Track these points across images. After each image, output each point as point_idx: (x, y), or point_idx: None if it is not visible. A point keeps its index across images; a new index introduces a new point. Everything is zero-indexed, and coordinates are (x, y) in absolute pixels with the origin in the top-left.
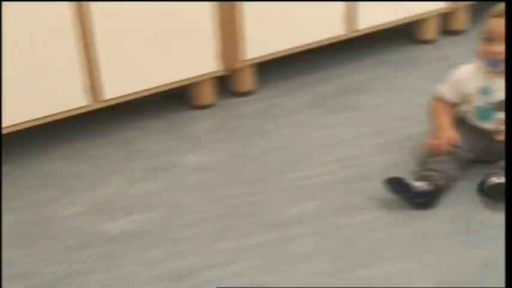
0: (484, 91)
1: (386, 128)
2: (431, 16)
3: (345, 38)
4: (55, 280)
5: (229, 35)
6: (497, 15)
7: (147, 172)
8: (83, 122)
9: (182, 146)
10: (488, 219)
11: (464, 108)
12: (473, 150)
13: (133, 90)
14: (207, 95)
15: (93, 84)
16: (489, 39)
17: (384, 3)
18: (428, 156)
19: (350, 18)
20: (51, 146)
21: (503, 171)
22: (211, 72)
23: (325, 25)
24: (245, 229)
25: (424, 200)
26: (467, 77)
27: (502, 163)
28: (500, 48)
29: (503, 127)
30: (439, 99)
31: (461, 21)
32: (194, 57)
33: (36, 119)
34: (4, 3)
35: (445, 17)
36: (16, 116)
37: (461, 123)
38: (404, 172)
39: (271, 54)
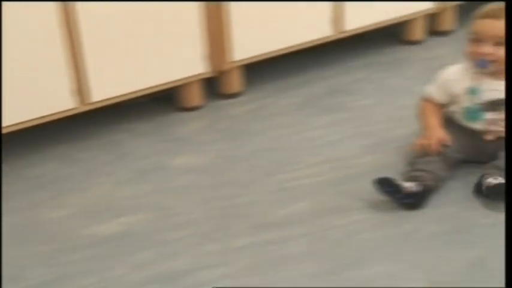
0: (472, 91)
1: (373, 129)
2: (419, 17)
3: (332, 39)
4: (44, 283)
5: (217, 36)
6: (484, 16)
7: (135, 174)
8: (70, 124)
9: (170, 148)
10: (476, 219)
11: (452, 108)
12: (462, 150)
13: (120, 92)
14: (194, 97)
15: (80, 86)
16: (476, 40)
17: (370, 4)
18: (418, 157)
19: (337, 19)
20: (38, 149)
21: (497, 171)
22: (199, 74)
23: (312, 26)
24: (234, 231)
25: (412, 201)
26: (455, 77)
27: (496, 163)
28: (487, 49)
29: (491, 127)
30: (428, 100)
31: (448, 21)
32: (182, 59)
33: (23, 122)
34: None
35: (432, 18)
36: (3, 119)
37: (449, 123)
38: (392, 173)
39: (259, 55)
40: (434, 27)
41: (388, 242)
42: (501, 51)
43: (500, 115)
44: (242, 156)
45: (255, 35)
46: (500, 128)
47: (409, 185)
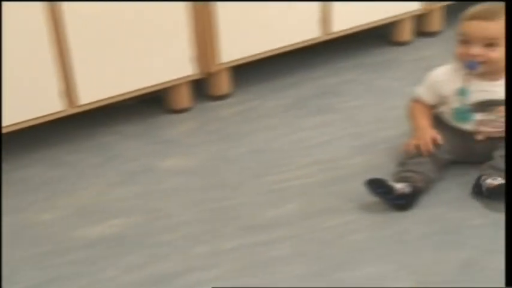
0: (461, 93)
1: (362, 130)
2: (406, 18)
3: (320, 40)
4: (35, 285)
5: (204, 38)
6: (472, 18)
7: (125, 177)
8: (59, 127)
9: (159, 150)
10: (466, 220)
11: (441, 109)
12: (451, 151)
13: (109, 95)
14: (183, 98)
15: (68, 89)
16: (465, 41)
17: (358, 5)
18: (409, 157)
19: (325, 20)
20: (27, 152)
21: (495, 172)
22: (187, 76)
23: (300, 28)
24: (224, 233)
25: (403, 202)
26: (443, 78)
27: (492, 163)
28: (477, 50)
29: (481, 128)
30: (417, 101)
31: (435, 22)
32: (170, 61)
33: (12, 125)
34: None
35: (419, 19)
36: None
37: (439, 124)
38: (382, 174)
39: (247, 57)
40: (422, 28)
41: (377, 243)
42: (491, 53)
43: (490, 116)
44: (231, 158)
45: (242, 37)
46: (490, 128)
47: (401, 186)
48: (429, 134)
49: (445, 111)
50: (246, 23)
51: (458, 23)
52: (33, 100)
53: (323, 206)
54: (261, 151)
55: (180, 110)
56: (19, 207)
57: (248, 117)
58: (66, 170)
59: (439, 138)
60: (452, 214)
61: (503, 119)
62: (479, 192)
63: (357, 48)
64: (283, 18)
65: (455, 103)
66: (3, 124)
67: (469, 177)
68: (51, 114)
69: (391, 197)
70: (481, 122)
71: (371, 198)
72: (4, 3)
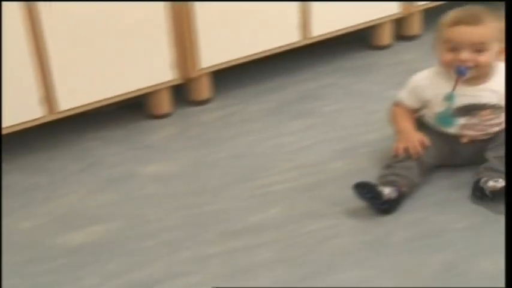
0: (449, 98)
1: (344, 134)
2: (386, 22)
3: (300, 44)
4: None
5: (184, 44)
6: (456, 23)
7: (106, 183)
8: (39, 133)
9: (140, 156)
10: (448, 224)
11: (423, 113)
12: (435, 154)
13: (89, 101)
14: (164, 104)
15: (48, 95)
16: (453, 48)
17: (338, 9)
18: (397, 161)
19: (305, 25)
20: (7, 159)
21: (494, 173)
22: (168, 82)
23: (280, 32)
24: (205, 238)
25: (387, 207)
26: (425, 83)
27: (489, 165)
28: (466, 56)
29: (464, 132)
30: (399, 106)
31: (415, 26)
32: (150, 66)
33: None
34: None
35: (399, 23)
36: None
37: (421, 127)
38: (364, 178)
39: (227, 62)
40: (401, 32)
41: (360, 247)
42: (479, 57)
43: (473, 120)
44: (213, 163)
45: (222, 42)
46: (473, 132)
47: (388, 192)
48: (416, 137)
49: (427, 114)
50: (225, 28)
51: (440, 28)
52: (13, 107)
53: (305, 210)
54: (242, 156)
55: (160, 116)
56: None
57: (229, 122)
58: (47, 176)
59: (426, 140)
60: (434, 218)
61: (486, 123)
62: (482, 195)
63: (337, 52)
64: (263, 23)
65: (437, 107)
66: None
67: (451, 180)
68: (31, 120)
69: (378, 202)
70: (465, 126)
71: (353, 202)
72: None
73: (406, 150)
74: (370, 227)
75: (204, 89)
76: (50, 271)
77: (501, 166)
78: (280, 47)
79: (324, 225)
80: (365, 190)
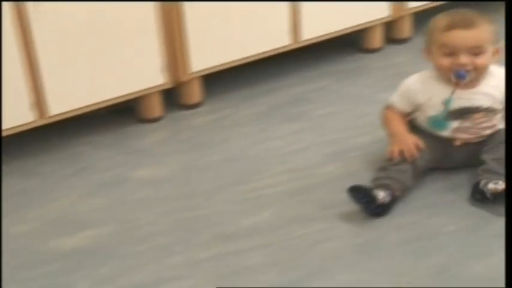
0: (448, 102)
1: (335, 137)
2: (376, 25)
3: (290, 48)
4: None
5: (175, 48)
6: (451, 28)
7: (97, 187)
8: (30, 138)
9: (131, 160)
10: (439, 227)
11: (415, 116)
12: (430, 158)
13: (79, 105)
14: (155, 108)
15: (38, 100)
16: (450, 53)
17: (328, 13)
18: (392, 164)
19: (295, 29)
20: None
21: (493, 175)
22: (158, 86)
23: (271, 36)
24: (197, 242)
25: (380, 211)
26: (417, 86)
27: (487, 167)
28: (465, 59)
29: (457, 135)
30: (391, 109)
31: (405, 29)
32: (140, 70)
33: None
34: None
35: (389, 26)
36: None
37: (414, 130)
38: (355, 181)
39: (217, 66)
40: (391, 35)
41: (352, 250)
42: (477, 60)
43: (466, 123)
44: (204, 167)
45: (213, 46)
46: (466, 135)
47: (383, 196)
48: (411, 139)
49: (419, 118)
50: (216, 32)
51: (432, 33)
52: (4, 112)
53: (297, 214)
54: (234, 160)
55: (151, 120)
56: None
57: (220, 126)
58: (38, 181)
59: (421, 143)
60: (426, 220)
61: (479, 126)
62: (482, 198)
63: (327, 55)
64: (253, 27)
65: (430, 111)
66: None
67: (443, 183)
68: (22, 125)
69: (372, 206)
70: (457, 129)
71: (345, 205)
72: None
73: (401, 153)
74: (362, 231)
75: (194, 93)
76: (41, 276)
77: (499, 168)
78: (270, 51)
79: (316, 228)
80: (361, 195)
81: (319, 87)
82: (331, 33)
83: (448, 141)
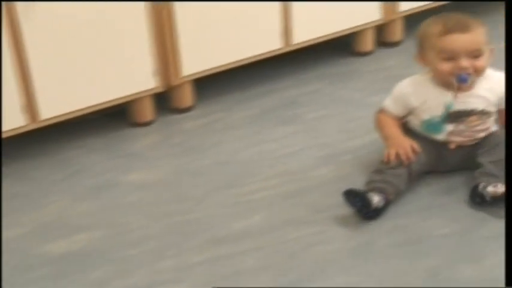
0: (449, 106)
1: (327, 140)
2: (367, 28)
3: (282, 51)
4: None
5: (166, 51)
6: (447, 32)
7: (89, 191)
8: (22, 142)
9: (123, 164)
10: (430, 230)
11: (409, 119)
12: (424, 161)
13: (71, 109)
14: (146, 112)
15: (30, 104)
16: (450, 57)
17: (319, 16)
18: (388, 167)
19: (286, 32)
20: None
21: (491, 178)
22: (150, 89)
23: (262, 39)
24: (189, 246)
25: (374, 215)
26: (410, 90)
27: (484, 170)
28: (466, 63)
29: (452, 138)
30: (384, 113)
31: (396, 32)
32: (132, 74)
33: None
34: None
35: (380, 29)
36: None
37: (408, 133)
38: (347, 184)
39: (209, 69)
40: (382, 39)
41: (344, 254)
42: (477, 63)
43: (460, 126)
44: (196, 170)
45: (204, 50)
46: (461, 138)
47: (377, 200)
48: (407, 142)
49: (413, 121)
50: (207, 36)
51: (427, 39)
52: None
53: (289, 217)
54: (226, 163)
55: (143, 123)
56: None
57: (212, 130)
58: (29, 185)
59: (417, 146)
60: (419, 224)
61: (473, 129)
62: (482, 201)
63: (319, 59)
64: (245, 30)
65: (424, 114)
66: None
67: (434, 186)
68: (14, 129)
69: (367, 211)
70: (452, 133)
71: (337, 209)
72: None
73: (398, 156)
74: (355, 234)
75: (186, 97)
76: (33, 280)
77: (497, 170)
78: (262, 54)
79: (308, 232)
80: (356, 198)
81: (310, 91)
82: (322, 37)
83: (442, 145)
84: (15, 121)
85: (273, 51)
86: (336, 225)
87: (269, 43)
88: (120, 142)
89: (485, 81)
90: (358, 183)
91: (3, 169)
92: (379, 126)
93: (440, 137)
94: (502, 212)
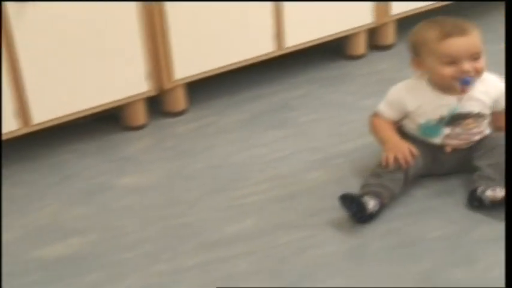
0: (455, 109)
1: (319, 144)
2: (359, 32)
3: (274, 55)
4: None
5: (158, 55)
6: (447, 37)
7: (82, 195)
8: (14, 146)
9: (116, 167)
10: (423, 233)
11: (403, 123)
12: (421, 165)
13: (63, 113)
14: (139, 116)
15: (22, 108)
16: (452, 61)
17: (311, 20)
18: (386, 171)
19: (279, 35)
20: None
21: (489, 182)
22: (142, 93)
23: (254, 43)
24: (182, 250)
25: (368, 219)
26: (405, 94)
27: (482, 173)
28: (469, 66)
29: (448, 141)
30: (379, 118)
31: (388, 35)
32: (124, 78)
33: None
34: None
35: (372, 33)
36: None
37: (403, 138)
38: (339, 188)
39: (202, 73)
40: (375, 42)
41: (336, 257)
42: (477, 65)
43: (457, 130)
44: (188, 174)
45: (196, 53)
46: (457, 141)
47: (373, 205)
48: (406, 146)
49: (408, 125)
50: (199, 40)
51: (424, 44)
52: None
53: (281, 221)
54: (218, 167)
55: (136, 127)
56: None
57: (204, 133)
58: (23, 189)
59: (415, 150)
60: (410, 227)
61: (469, 132)
62: (480, 205)
63: (311, 62)
64: (237, 34)
65: (420, 118)
66: None
67: (429, 189)
68: (6, 133)
69: (361, 215)
70: (449, 136)
71: (329, 212)
72: None
73: (396, 160)
74: (347, 237)
75: (178, 101)
76: (26, 285)
77: (495, 174)
78: (254, 58)
79: (301, 235)
80: (353, 204)
81: (303, 94)
82: (314, 40)
83: (437, 148)
84: (7, 125)
85: (265, 55)
86: (328, 229)
87: (262, 47)
88: (113, 146)
89: (481, 84)
90: (350, 186)
91: None
92: (374, 130)
93: (437, 140)
94: (499, 214)
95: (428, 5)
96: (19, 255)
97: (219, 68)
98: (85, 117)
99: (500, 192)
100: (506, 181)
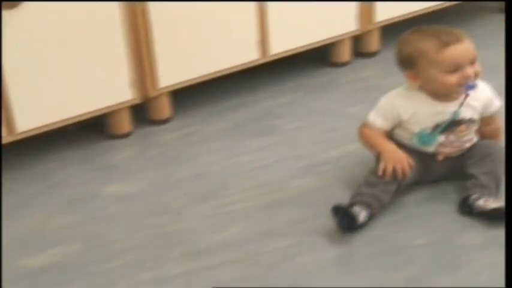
0: (457, 114)
1: (304, 152)
2: (344, 39)
3: (259, 63)
4: None
5: (143, 63)
6: (446, 44)
7: (67, 204)
8: None
9: (101, 176)
10: (408, 241)
11: (396, 131)
12: (413, 174)
13: (48, 121)
14: (124, 124)
15: (6, 117)
16: (454, 69)
17: (296, 27)
18: (382, 182)
19: (263, 43)
20: None
21: (483, 190)
22: (127, 101)
23: (239, 51)
24: (168, 258)
25: (356, 228)
26: (398, 103)
27: (475, 181)
28: (471, 71)
29: (441, 149)
30: (370, 128)
31: (373, 43)
32: (108, 86)
33: None
34: None
35: (357, 40)
36: None
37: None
38: (324, 196)
39: (186, 81)
40: (359, 49)
41: (322, 265)
42: (476, 68)
43: (450, 137)
44: (174, 182)
45: (181, 61)
46: (450, 149)
47: (364, 217)
48: (404, 157)
49: (400, 134)
50: (184, 47)
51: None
52: None
53: (267, 228)
54: (203, 175)
55: (121, 136)
56: None
57: (189, 142)
58: (7, 198)
59: (411, 160)
60: (396, 234)
61: (462, 139)
62: (470, 212)
63: (296, 70)
64: (221, 42)
65: (415, 127)
66: None
67: (415, 197)
68: None
69: (351, 226)
70: (442, 144)
71: (315, 220)
72: None
73: (395, 170)
74: (331, 245)
75: (163, 109)
76: None
77: (490, 182)
78: (239, 66)
79: (287, 243)
80: (345, 217)
81: (287, 102)
82: (299, 47)
83: (429, 156)
84: None
85: (250, 62)
86: (314, 236)
87: (246, 54)
88: (98, 154)
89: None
90: (335, 194)
91: None
92: (367, 140)
93: (431, 148)
94: (486, 220)
95: (412, 12)
96: (4, 264)
97: (203, 76)
98: (70, 126)
99: (492, 204)
100: (506, 181)
